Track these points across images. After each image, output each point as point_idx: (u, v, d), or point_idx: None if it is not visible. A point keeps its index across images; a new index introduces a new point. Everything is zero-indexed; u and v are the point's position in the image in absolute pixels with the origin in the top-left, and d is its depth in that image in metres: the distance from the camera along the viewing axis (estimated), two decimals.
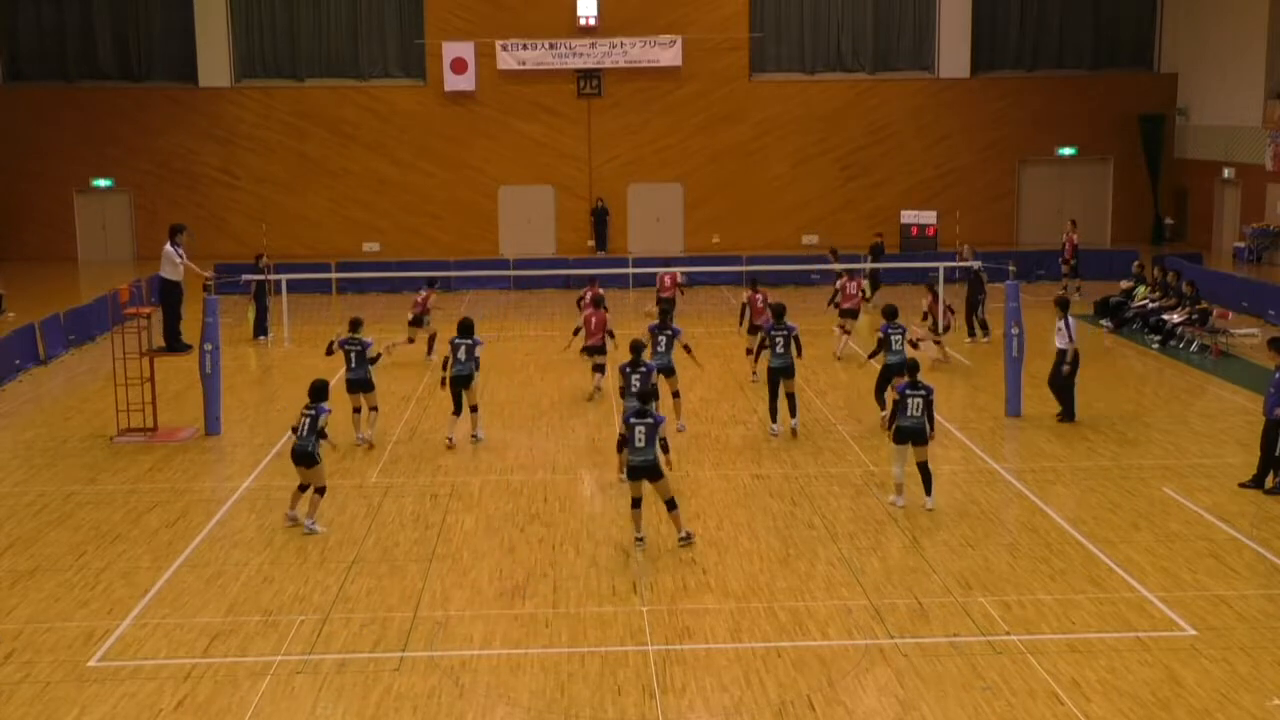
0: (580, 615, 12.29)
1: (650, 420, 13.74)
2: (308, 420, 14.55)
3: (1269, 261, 32.82)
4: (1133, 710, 10.28)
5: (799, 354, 18.25)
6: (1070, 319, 18.89)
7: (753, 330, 22.51)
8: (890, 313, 18.83)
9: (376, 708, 10.49)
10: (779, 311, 18.54)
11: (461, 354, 17.83)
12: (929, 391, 14.88)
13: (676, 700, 10.57)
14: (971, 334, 25.64)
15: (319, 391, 14.81)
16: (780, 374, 18.21)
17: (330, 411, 14.79)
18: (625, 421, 13.94)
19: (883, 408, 18.37)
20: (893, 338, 18.42)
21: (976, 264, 29.70)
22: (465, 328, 18.03)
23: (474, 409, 18.27)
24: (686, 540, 14.07)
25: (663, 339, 18.93)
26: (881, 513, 15.07)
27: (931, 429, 14.91)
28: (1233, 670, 10.95)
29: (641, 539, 14.07)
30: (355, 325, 18.42)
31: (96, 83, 38.26)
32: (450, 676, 11.04)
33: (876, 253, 31.88)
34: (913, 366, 15.35)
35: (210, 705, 10.57)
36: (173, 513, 15.52)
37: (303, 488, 14.78)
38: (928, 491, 15.09)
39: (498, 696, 10.69)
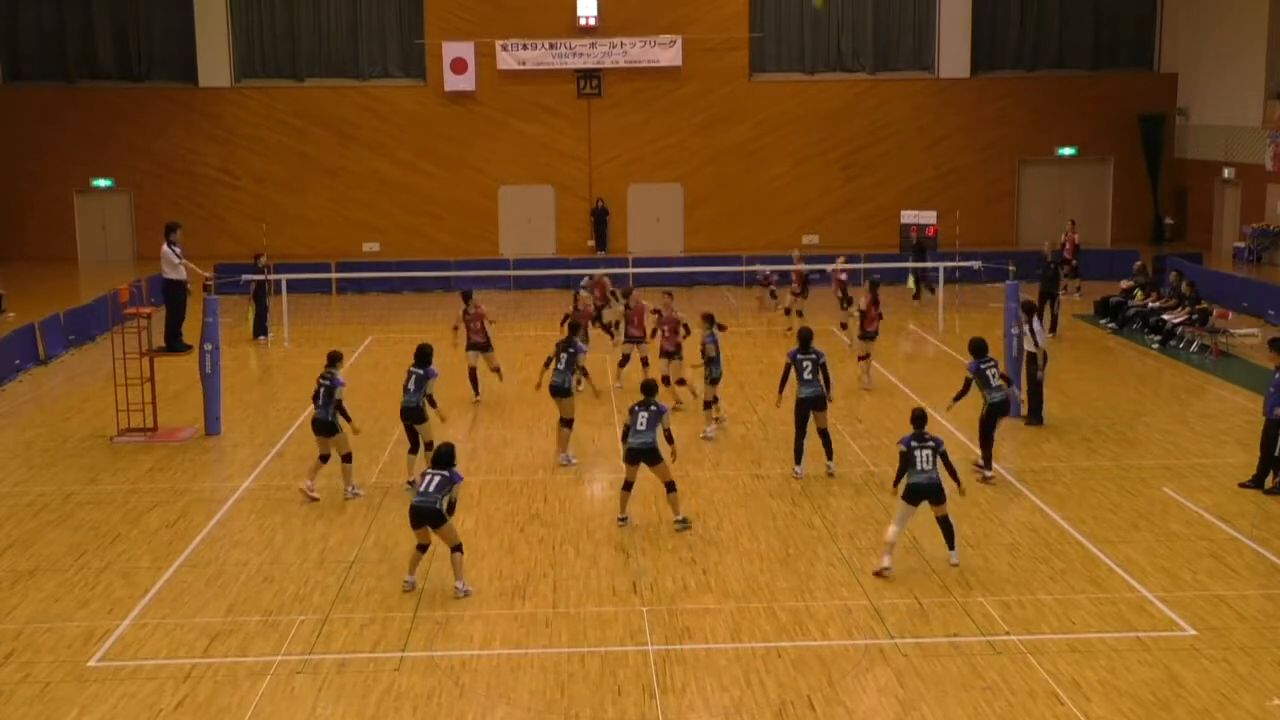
0: (580, 615, 12.29)
1: (653, 409, 14.40)
2: (436, 479, 12.66)
3: (1269, 261, 32.80)
4: (1133, 710, 10.28)
5: (828, 386, 16.39)
6: (1037, 322, 18.83)
7: (628, 339, 21.10)
8: (979, 347, 16.34)
9: (376, 708, 10.50)
10: (806, 337, 16.68)
11: (411, 384, 16.05)
12: (939, 443, 13.27)
13: (676, 700, 10.58)
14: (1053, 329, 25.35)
15: (445, 458, 12.83)
16: (810, 405, 16.29)
17: (463, 480, 12.95)
18: (630, 410, 14.56)
19: (986, 449, 16.35)
20: (988, 372, 16.17)
21: (976, 264, 29.80)
22: (421, 355, 16.31)
23: (428, 446, 15.79)
24: (682, 525, 14.52)
25: (564, 357, 17.25)
26: (881, 512, 15.05)
27: (958, 483, 13.38)
28: (1233, 670, 10.95)
29: (624, 519, 14.70)
30: (332, 359, 16.03)
31: (96, 83, 38.22)
32: (450, 676, 11.04)
33: (919, 251, 31.42)
34: (919, 416, 13.56)
35: (210, 705, 10.57)
36: (173, 513, 15.52)
37: (421, 548, 12.91)
38: (951, 545, 13.33)
39: (498, 696, 10.69)
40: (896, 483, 13.38)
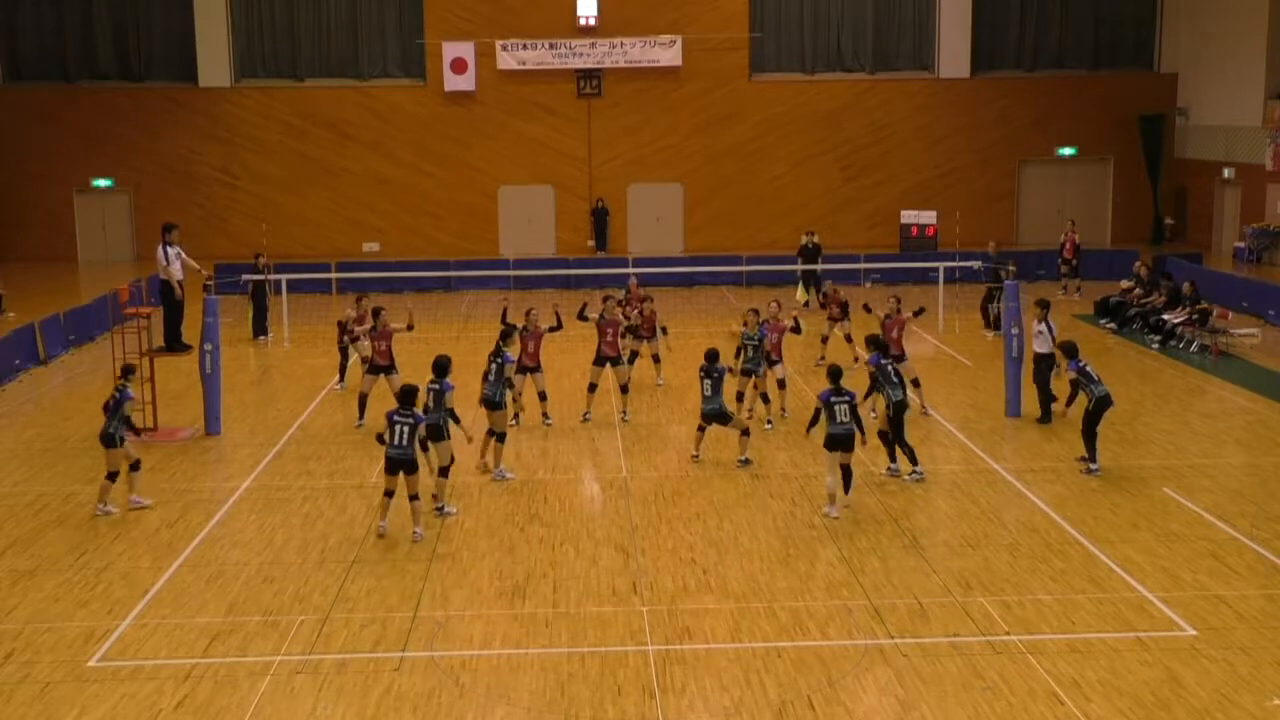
0: (580, 615, 12.29)
1: (716, 374, 16.62)
2: (405, 429, 14.04)
3: (1269, 261, 32.80)
4: (1133, 710, 10.28)
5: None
6: (1050, 321, 18.88)
7: (636, 336, 20.77)
8: (1071, 350, 16.77)
9: (376, 708, 10.50)
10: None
11: (430, 400, 15.27)
12: (853, 397, 14.87)
13: (676, 700, 10.58)
14: (988, 326, 26.53)
15: (409, 396, 14.36)
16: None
17: (425, 420, 14.52)
18: (699, 375, 16.68)
19: (1091, 452, 16.58)
20: (1089, 370, 16.61)
21: (977, 265, 29.80)
22: (439, 368, 15.47)
23: (443, 473, 15.36)
24: (744, 464, 16.83)
25: (493, 367, 16.54)
26: (881, 513, 15.07)
27: (863, 435, 14.95)
28: (1233, 670, 10.95)
29: (697, 456, 17.16)
30: (124, 372, 15.97)
31: (96, 83, 38.21)
32: (450, 676, 11.04)
33: (809, 257, 30.80)
34: (835, 372, 15.03)
35: (210, 705, 10.57)
36: (173, 513, 15.51)
37: (389, 494, 14.28)
38: (845, 490, 14.95)
39: (498, 696, 10.69)
40: (809, 429, 15.28)
